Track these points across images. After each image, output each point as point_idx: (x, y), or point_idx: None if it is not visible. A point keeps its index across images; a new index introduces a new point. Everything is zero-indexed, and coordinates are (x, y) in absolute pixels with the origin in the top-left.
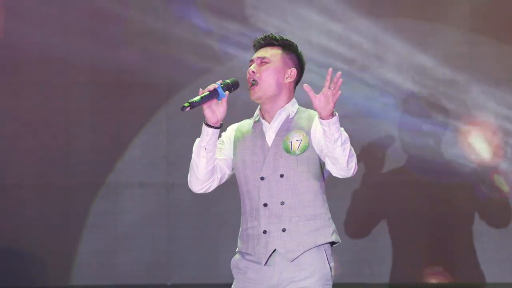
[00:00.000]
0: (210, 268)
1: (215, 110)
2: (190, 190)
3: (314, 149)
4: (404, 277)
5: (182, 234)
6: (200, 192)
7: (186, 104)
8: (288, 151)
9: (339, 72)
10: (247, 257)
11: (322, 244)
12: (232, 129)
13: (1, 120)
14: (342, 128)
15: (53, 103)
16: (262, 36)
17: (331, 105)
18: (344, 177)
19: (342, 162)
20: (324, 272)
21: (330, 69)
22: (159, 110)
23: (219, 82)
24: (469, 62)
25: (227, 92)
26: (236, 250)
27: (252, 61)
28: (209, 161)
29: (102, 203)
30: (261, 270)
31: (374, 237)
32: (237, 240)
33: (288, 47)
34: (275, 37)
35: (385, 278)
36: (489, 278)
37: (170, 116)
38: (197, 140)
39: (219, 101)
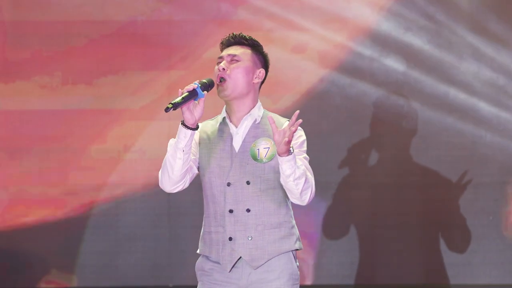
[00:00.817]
0: None
1: (193, 111)
2: (191, 191)
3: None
4: (403, 279)
5: (183, 235)
6: (172, 191)
7: (170, 106)
8: (255, 158)
9: (297, 111)
10: (212, 258)
11: (287, 252)
12: (199, 128)
13: (1, 120)
14: (300, 163)
15: (52, 103)
16: (232, 34)
17: (284, 146)
18: (298, 204)
19: (295, 194)
20: (292, 272)
21: (297, 111)
22: (161, 111)
23: (196, 82)
24: None
25: (205, 92)
26: (198, 251)
27: (221, 58)
28: (185, 162)
29: (104, 205)
30: (228, 272)
31: (374, 239)
32: None
33: (257, 47)
34: (245, 36)
35: (384, 280)
36: (490, 280)
37: (171, 117)
38: (172, 140)
39: (196, 102)
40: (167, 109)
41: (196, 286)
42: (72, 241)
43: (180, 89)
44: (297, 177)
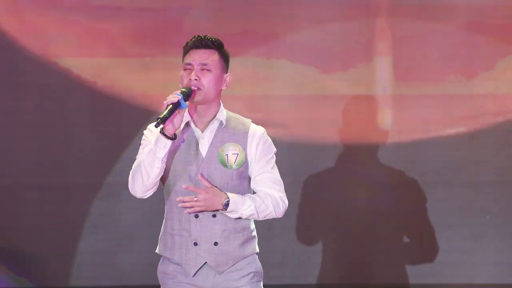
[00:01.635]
0: None
1: (174, 122)
2: None
3: (248, 165)
4: (402, 278)
5: None
6: (143, 197)
7: (159, 120)
8: (224, 164)
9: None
10: (174, 260)
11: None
12: (156, 130)
13: (1, 120)
14: (247, 204)
15: (52, 103)
16: (199, 37)
17: (210, 209)
18: None
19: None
20: (256, 270)
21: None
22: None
23: (178, 92)
24: None
25: (187, 102)
26: (157, 252)
27: (189, 64)
28: (161, 170)
29: (102, 204)
30: (191, 276)
31: (373, 238)
32: None
33: (222, 49)
34: (211, 39)
35: (383, 279)
36: (489, 279)
37: None
38: (147, 148)
39: (178, 112)
40: (157, 124)
41: None
42: (70, 240)
43: (164, 101)
44: (247, 217)
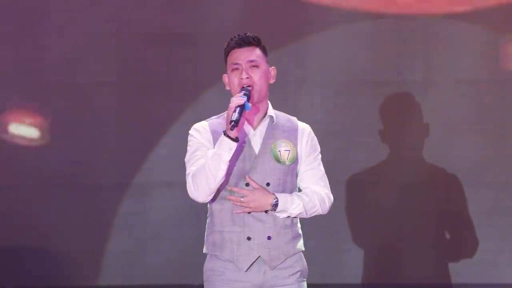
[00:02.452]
0: None
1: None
2: None
3: (298, 162)
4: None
5: None
6: (205, 201)
7: (234, 124)
8: (278, 160)
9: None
10: (222, 257)
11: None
12: (206, 130)
13: (30, 120)
14: (296, 203)
15: (80, 103)
16: (238, 36)
17: (256, 210)
18: None
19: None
20: (303, 269)
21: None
22: (186, 110)
23: (241, 94)
24: None
25: (250, 104)
26: (204, 251)
27: (237, 64)
28: (226, 172)
29: (130, 203)
30: (241, 270)
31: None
32: None
33: (262, 44)
34: (252, 36)
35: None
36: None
37: (197, 116)
38: (211, 152)
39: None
40: (232, 128)
41: None
42: (98, 240)
43: (231, 104)
44: (295, 216)
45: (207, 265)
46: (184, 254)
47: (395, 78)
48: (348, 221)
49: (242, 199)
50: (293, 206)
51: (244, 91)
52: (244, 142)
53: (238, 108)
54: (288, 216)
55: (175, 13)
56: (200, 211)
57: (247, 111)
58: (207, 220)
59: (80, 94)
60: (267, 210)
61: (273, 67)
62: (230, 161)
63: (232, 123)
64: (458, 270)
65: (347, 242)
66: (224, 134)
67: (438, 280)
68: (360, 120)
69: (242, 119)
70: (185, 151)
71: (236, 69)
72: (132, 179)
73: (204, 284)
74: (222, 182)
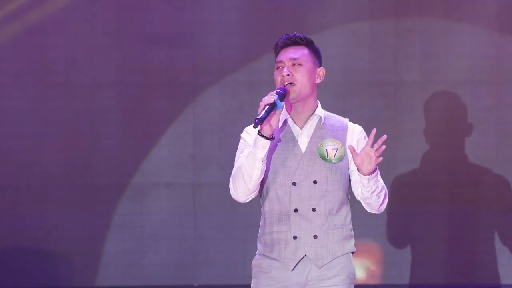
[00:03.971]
0: (237, 269)
1: (272, 122)
2: (216, 190)
3: (348, 161)
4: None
5: (208, 235)
6: (246, 201)
7: (257, 122)
8: (324, 158)
9: (385, 136)
10: (270, 255)
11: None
12: (254, 131)
13: (28, 120)
14: (379, 176)
15: (79, 103)
16: (287, 36)
17: (373, 166)
18: (373, 213)
19: (375, 207)
20: (350, 271)
21: (374, 129)
22: (186, 110)
23: (273, 93)
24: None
25: (283, 103)
26: (257, 252)
27: (281, 62)
28: (262, 171)
29: (129, 203)
30: (287, 269)
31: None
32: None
33: (312, 45)
34: (300, 36)
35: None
36: None
37: (196, 116)
38: (246, 151)
39: (274, 112)
40: (255, 125)
41: (220, 285)
42: (96, 240)
43: (260, 102)
44: (379, 191)
45: (255, 262)
46: (182, 254)
47: (393, 78)
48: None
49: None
50: (378, 176)
51: (278, 89)
52: (281, 139)
53: (267, 106)
54: (374, 191)
55: (174, 13)
56: (198, 212)
57: (279, 110)
58: (260, 223)
59: (79, 94)
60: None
61: (322, 67)
62: (277, 160)
63: (257, 121)
64: (460, 270)
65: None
66: (258, 133)
67: (449, 280)
68: (358, 120)
69: (272, 117)
70: (183, 151)
71: (280, 67)
72: (131, 180)
73: (252, 281)
74: (269, 182)
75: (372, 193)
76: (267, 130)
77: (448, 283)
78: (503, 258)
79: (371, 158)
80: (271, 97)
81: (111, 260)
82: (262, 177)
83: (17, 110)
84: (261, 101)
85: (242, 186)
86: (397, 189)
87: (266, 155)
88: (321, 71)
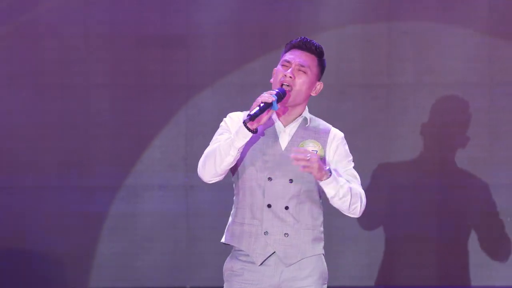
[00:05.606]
0: None
1: (261, 119)
2: (210, 192)
3: (325, 164)
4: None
5: (202, 236)
6: (209, 182)
7: (250, 118)
8: None
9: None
10: (241, 257)
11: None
12: (239, 119)
13: (22, 121)
14: (344, 181)
15: (73, 105)
16: (304, 39)
17: (318, 173)
18: (351, 216)
19: (344, 210)
20: (322, 271)
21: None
22: (179, 112)
23: (273, 93)
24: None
25: (278, 105)
26: (223, 241)
27: (289, 62)
28: (235, 160)
29: (122, 205)
30: (259, 271)
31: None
32: None
33: (322, 57)
34: (315, 44)
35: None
36: (509, 281)
37: (189, 118)
38: (226, 136)
39: (267, 112)
40: (247, 120)
41: (213, 287)
42: (89, 242)
43: (258, 98)
44: (342, 196)
45: (227, 265)
46: (176, 256)
47: (386, 80)
48: (341, 223)
49: (308, 156)
50: (342, 181)
51: (278, 90)
52: (263, 133)
53: (263, 104)
54: (334, 196)
55: (168, 15)
56: (191, 213)
57: (272, 111)
58: (232, 211)
59: (73, 95)
60: (323, 177)
61: (321, 82)
62: (256, 152)
63: (249, 117)
64: (452, 272)
65: (341, 244)
66: (243, 123)
67: (431, 283)
68: (351, 122)
69: (265, 115)
70: (176, 153)
71: (286, 66)
72: (124, 181)
73: (224, 284)
74: (246, 173)
75: (333, 198)
76: (253, 124)
77: (440, 285)
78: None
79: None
80: (270, 97)
81: (104, 261)
82: (233, 165)
83: (10, 111)
84: (259, 96)
85: (211, 167)
86: (390, 191)
87: (243, 146)
88: (319, 85)
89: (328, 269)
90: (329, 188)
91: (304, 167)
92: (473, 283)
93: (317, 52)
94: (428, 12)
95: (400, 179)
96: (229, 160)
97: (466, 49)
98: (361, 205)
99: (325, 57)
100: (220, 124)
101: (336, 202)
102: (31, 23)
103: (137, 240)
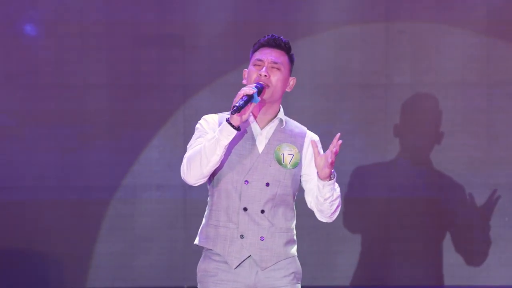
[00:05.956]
0: None
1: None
2: (207, 192)
3: (301, 168)
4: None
5: None
6: (195, 184)
7: (235, 109)
8: (280, 162)
9: (338, 134)
10: (214, 257)
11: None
12: (214, 121)
13: (19, 121)
14: (337, 184)
15: (69, 105)
16: (272, 37)
17: (328, 170)
18: (324, 221)
19: (327, 214)
20: (296, 271)
21: (338, 134)
22: (176, 112)
23: (253, 86)
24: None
25: (259, 98)
26: (197, 243)
27: (260, 60)
28: (220, 159)
29: (119, 205)
30: (234, 272)
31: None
32: None
33: (291, 53)
34: (284, 41)
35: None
36: (506, 281)
37: (187, 118)
38: (209, 136)
39: (250, 105)
40: (233, 112)
41: None
42: (87, 242)
43: (240, 92)
44: (333, 200)
45: (201, 266)
46: (173, 256)
47: (383, 80)
48: (339, 223)
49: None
50: (336, 185)
51: (257, 84)
52: (242, 135)
53: (245, 97)
54: (328, 198)
55: (164, 15)
56: (188, 213)
57: (253, 104)
58: (205, 213)
59: (70, 95)
60: (329, 176)
61: (293, 77)
62: (233, 155)
63: (235, 108)
64: (447, 272)
65: (338, 244)
66: (227, 121)
67: (426, 282)
68: (349, 122)
69: (247, 109)
70: (174, 153)
71: (258, 65)
72: (122, 181)
73: (198, 285)
74: (223, 175)
75: (326, 200)
76: (236, 120)
77: (440, 285)
78: (493, 259)
79: (327, 161)
80: (251, 89)
81: (102, 261)
82: (218, 165)
83: (7, 111)
84: (240, 90)
85: (197, 169)
86: (387, 191)
87: (227, 145)
88: (292, 80)
89: (326, 269)
90: (327, 189)
91: (332, 163)
92: (472, 283)
93: (286, 48)
94: (426, 12)
95: (398, 179)
96: (215, 159)
97: (464, 49)
98: (339, 212)
99: (324, 57)
100: (196, 127)
101: (325, 205)
102: (28, 22)
103: (135, 240)
